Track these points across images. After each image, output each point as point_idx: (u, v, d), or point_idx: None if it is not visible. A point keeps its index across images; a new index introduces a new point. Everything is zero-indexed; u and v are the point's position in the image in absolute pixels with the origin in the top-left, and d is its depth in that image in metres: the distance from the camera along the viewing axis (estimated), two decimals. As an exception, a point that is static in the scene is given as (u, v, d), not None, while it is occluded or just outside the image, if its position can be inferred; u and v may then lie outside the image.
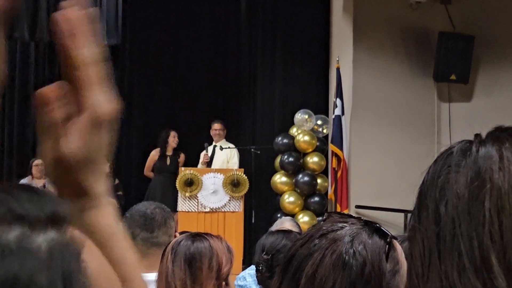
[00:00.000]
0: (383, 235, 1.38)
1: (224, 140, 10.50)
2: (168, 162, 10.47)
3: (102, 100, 0.93)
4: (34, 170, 10.26)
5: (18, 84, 12.22)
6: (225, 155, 10.31)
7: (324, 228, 1.40)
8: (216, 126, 10.47)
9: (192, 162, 10.45)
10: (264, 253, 3.22)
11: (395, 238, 1.41)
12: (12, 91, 12.24)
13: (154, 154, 10.56)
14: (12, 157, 12.00)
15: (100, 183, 0.97)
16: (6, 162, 11.88)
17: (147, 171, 10.61)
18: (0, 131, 12.07)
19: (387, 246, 1.37)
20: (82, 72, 0.91)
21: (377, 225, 1.40)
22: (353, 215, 1.50)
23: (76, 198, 0.94)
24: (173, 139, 10.61)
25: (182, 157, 10.62)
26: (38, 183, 10.20)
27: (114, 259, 0.97)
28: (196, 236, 2.69)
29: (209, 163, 10.29)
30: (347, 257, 1.33)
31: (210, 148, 10.45)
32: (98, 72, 0.93)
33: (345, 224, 1.40)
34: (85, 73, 0.92)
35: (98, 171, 0.95)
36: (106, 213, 0.98)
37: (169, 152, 10.56)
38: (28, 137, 12.00)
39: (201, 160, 10.22)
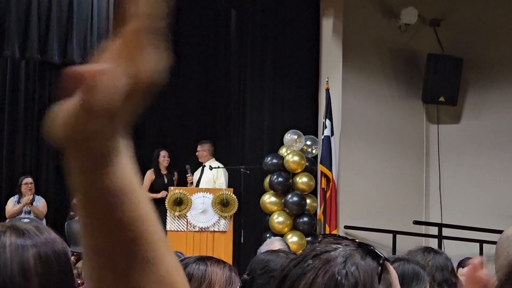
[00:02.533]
0: (376, 257, 1.40)
1: (213, 159, 10.53)
2: (166, 181, 10.48)
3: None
4: (23, 188, 10.23)
5: (7, 103, 12.21)
6: (212, 175, 10.35)
7: (318, 249, 1.42)
8: (198, 147, 10.62)
9: (181, 182, 10.49)
10: (247, 273, 3.23)
11: (388, 260, 1.42)
12: (2, 110, 12.22)
13: (150, 174, 10.53)
14: (0, 175, 11.97)
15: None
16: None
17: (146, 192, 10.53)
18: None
19: (380, 268, 1.38)
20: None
21: (371, 247, 1.42)
22: (342, 235, 1.52)
23: (90, 154, 0.82)
24: (163, 159, 10.64)
25: (176, 176, 10.66)
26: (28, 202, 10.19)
27: (135, 229, 0.83)
28: (199, 259, 2.63)
29: (198, 183, 10.32)
30: (339, 278, 1.35)
31: (198, 169, 10.54)
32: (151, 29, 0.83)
33: (339, 246, 1.42)
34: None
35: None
36: (124, 166, 0.85)
37: (164, 171, 10.60)
38: (18, 155, 12.00)
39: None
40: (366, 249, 1.41)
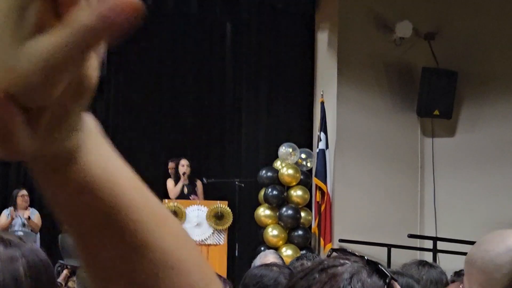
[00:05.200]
0: (383, 275, 1.38)
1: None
2: (186, 191, 10.11)
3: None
4: (19, 200, 10.18)
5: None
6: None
7: (325, 262, 1.41)
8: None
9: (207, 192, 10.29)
10: (240, 286, 3.22)
11: (395, 280, 1.41)
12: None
13: (170, 183, 10.13)
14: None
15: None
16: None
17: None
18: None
19: (385, 286, 1.37)
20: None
21: (379, 265, 1.40)
22: (350, 251, 1.51)
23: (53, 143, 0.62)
24: (182, 168, 10.16)
25: (201, 186, 10.23)
26: (22, 214, 10.13)
27: (139, 223, 0.70)
28: None
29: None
30: None
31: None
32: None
33: (346, 261, 1.40)
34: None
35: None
36: (97, 144, 0.68)
37: (185, 181, 10.24)
38: (12, 167, 11.96)
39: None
40: (374, 267, 1.40)
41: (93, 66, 0.60)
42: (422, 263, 3.68)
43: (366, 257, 1.43)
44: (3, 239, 1.49)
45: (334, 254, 1.48)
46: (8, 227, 9.95)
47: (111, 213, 0.68)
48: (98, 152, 0.68)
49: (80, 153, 0.65)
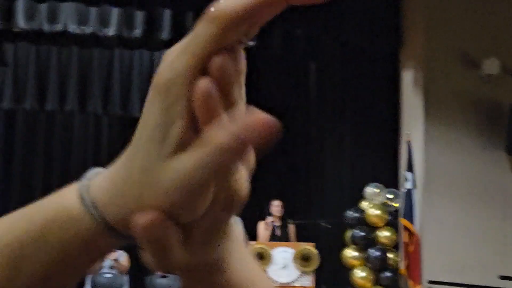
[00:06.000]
0: None
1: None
2: (279, 233, 10.12)
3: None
4: None
5: (90, 158, 12.44)
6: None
7: None
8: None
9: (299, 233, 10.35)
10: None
11: None
12: (85, 164, 12.45)
13: (263, 226, 10.16)
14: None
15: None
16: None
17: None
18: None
19: None
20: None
21: None
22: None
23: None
24: (276, 209, 10.19)
25: (293, 228, 10.22)
26: (110, 256, 10.26)
27: None
28: None
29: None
30: None
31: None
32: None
33: None
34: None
35: None
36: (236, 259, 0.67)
37: (278, 223, 10.19)
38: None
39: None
40: None
41: (241, 179, 0.62)
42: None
43: None
44: None
45: None
46: (97, 269, 10.10)
47: None
48: (242, 261, 0.69)
49: (227, 263, 0.66)
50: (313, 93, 11.58)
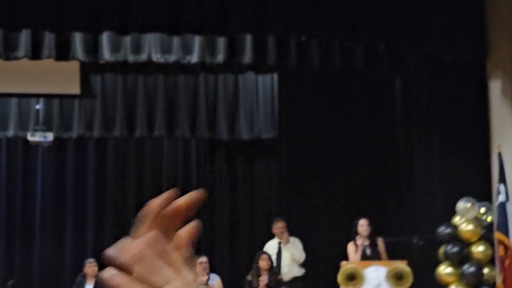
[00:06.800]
0: None
1: (290, 237, 10.81)
2: (368, 252, 10.03)
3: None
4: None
5: (180, 181, 12.60)
6: (291, 252, 10.70)
7: None
8: (279, 224, 10.73)
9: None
10: None
11: None
12: (175, 187, 12.61)
13: (351, 246, 10.13)
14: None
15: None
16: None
17: None
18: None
19: None
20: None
21: None
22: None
23: None
24: (362, 228, 10.13)
25: (382, 245, 10.12)
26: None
27: None
28: None
29: (277, 262, 10.49)
30: None
31: (274, 246, 10.71)
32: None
33: None
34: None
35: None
36: None
37: (365, 242, 10.09)
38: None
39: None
40: None
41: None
42: None
43: None
44: None
45: None
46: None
47: None
48: None
49: None
50: (400, 108, 11.48)
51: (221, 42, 9.52)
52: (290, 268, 10.73)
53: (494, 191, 10.12)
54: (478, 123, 10.59)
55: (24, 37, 9.07)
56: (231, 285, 11.06)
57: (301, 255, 10.78)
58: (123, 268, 0.86)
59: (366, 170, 11.93)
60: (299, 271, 10.82)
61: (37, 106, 11.91)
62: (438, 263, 10.09)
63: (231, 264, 12.21)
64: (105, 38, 9.30)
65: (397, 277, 9.33)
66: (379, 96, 11.91)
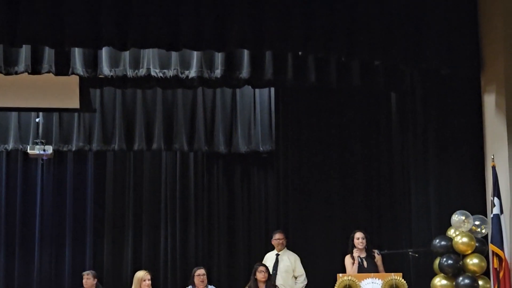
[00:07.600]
0: None
1: (285, 249, 11.00)
2: (365, 265, 10.17)
3: None
4: (196, 279, 10.56)
5: (178, 196, 12.69)
6: (290, 264, 10.84)
7: None
8: (278, 236, 10.99)
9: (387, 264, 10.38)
10: None
11: None
12: (174, 201, 12.71)
13: (348, 259, 10.28)
14: (175, 266, 12.46)
15: None
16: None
17: None
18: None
19: None
20: None
21: None
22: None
23: None
24: (357, 241, 10.27)
25: (379, 257, 10.27)
26: None
27: None
28: None
29: (274, 273, 10.63)
30: None
31: (273, 258, 10.86)
32: None
33: None
34: None
35: None
36: None
37: (362, 254, 10.19)
38: (190, 245, 12.42)
39: None
40: None
41: None
42: None
43: None
44: None
45: None
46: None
47: None
48: None
49: None
50: (395, 123, 11.57)
51: (219, 57, 9.64)
52: (287, 280, 10.82)
53: (489, 204, 10.22)
54: (473, 136, 10.68)
55: (24, 52, 9.16)
56: (229, 297, 11.18)
57: (299, 270, 10.92)
58: None
59: (363, 183, 12.02)
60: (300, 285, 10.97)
61: (37, 120, 12.02)
62: (433, 275, 10.18)
63: (229, 276, 12.31)
64: (104, 53, 9.41)
65: (392, 289, 9.41)
66: (375, 110, 12.01)
